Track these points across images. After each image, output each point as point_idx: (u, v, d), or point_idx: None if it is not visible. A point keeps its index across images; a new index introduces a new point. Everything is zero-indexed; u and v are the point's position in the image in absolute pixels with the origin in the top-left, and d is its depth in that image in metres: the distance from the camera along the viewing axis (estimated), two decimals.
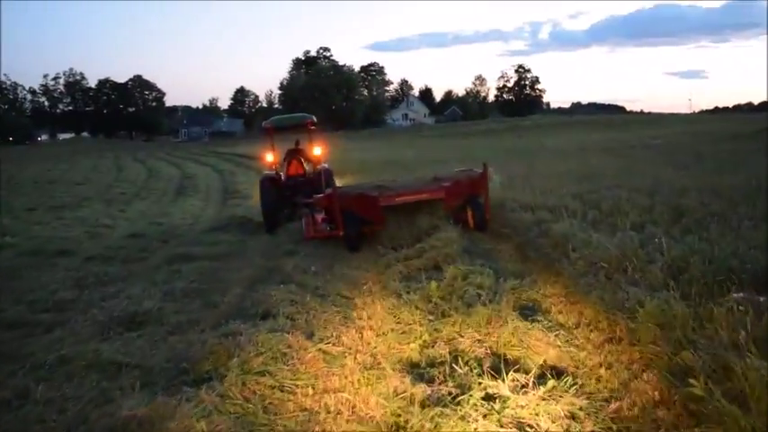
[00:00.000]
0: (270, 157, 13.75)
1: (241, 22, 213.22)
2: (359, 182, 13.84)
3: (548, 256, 6.93)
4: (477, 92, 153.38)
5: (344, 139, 64.15)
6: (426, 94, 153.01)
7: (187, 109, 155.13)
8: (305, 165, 13.49)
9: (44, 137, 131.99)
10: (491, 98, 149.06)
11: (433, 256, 7.44)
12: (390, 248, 8.49)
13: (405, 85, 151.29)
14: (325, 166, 13.38)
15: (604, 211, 8.43)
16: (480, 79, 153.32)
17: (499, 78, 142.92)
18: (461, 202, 9.68)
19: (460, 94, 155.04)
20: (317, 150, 13.86)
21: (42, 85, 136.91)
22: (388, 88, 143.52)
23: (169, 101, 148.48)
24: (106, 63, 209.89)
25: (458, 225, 8.89)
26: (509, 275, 6.41)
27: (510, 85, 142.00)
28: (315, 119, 14.09)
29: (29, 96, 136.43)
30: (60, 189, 24.19)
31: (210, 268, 8.49)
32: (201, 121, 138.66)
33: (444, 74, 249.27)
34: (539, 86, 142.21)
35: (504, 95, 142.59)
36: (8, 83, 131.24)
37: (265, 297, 6.19)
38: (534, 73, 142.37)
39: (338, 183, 12.68)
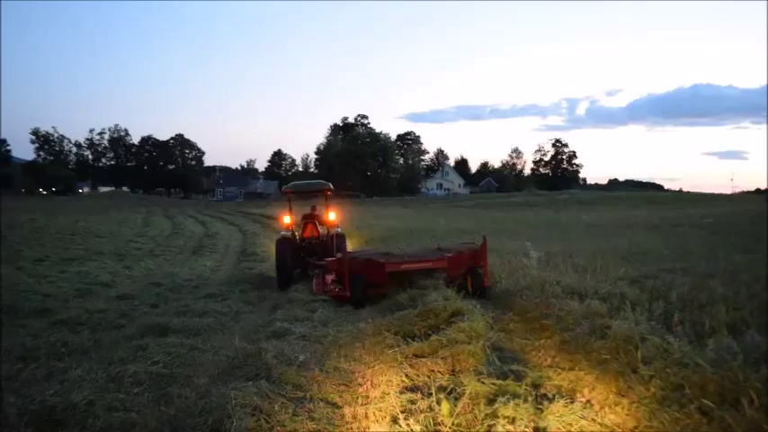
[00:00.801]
0: (287, 219, 14.46)
1: (282, 86, 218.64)
2: (384, 248, 13.56)
3: (607, 367, 5.08)
4: (514, 164, 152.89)
5: (377, 205, 63.50)
6: (462, 164, 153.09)
7: (225, 169, 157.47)
8: (319, 228, 14.30)
9: (86, 189, 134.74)
10: (527, 171, 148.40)
11: (450, 356, 5.71)
12: (401, 337, 6.83)
13: (440, 154, 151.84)
14: (339, 230, 14.14)
15: (675, 303, 6.52)
16: (517, 152, 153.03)
17: (536, 152, 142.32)
18: (463, 271, 10.09)
19: (496, 166, 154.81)
20: (331, 215, 14.51)
21: (88, 139, 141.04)
22: (423, 157, 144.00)
23: (208, 160, 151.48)
24: (150, 121, 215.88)
25: (459, 292, 8.74)
26: (554, 392, 4.78)
27: (547, 159, 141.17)
28: (331, 186, 15.02)
29: (74, 149, 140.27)
30: (79, 241, 23.52)
31: (183, 347, 7.01)
32: (237, 182, 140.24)
33: (480, 145, 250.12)
34: (576, 161, 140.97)
35: (541, 169, 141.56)
36: (55, 135, 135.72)
37: (224, 400, 4.60)
38: (571, 148, 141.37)
39: (364, 247, 13.73)
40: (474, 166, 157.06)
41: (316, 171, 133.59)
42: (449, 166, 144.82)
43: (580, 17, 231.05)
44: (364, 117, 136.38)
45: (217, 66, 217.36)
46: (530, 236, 18.89)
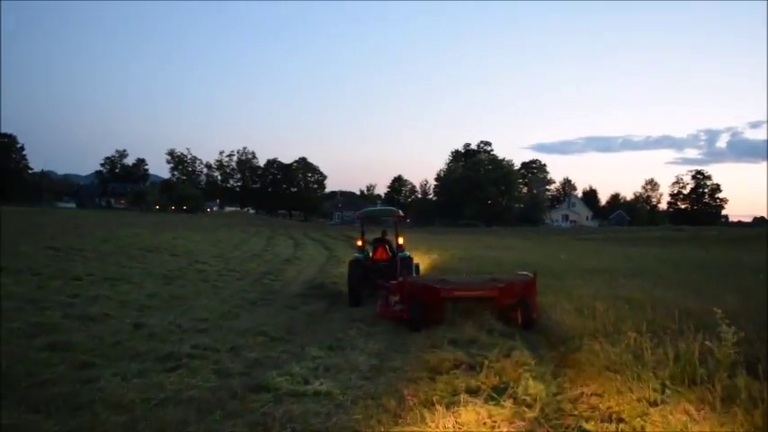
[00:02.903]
0: (359, 242, 15.76)
1: (406, 111, 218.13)
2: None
3: None
4: (648, 197, 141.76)
5: (494, 236, 58.69)
6: (590, 195, 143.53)
7: (345, 194, 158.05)
8: (388, 251, 15.12)
9: (215, 208, 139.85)
10: (663, 205, 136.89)
11: None
12: None
13: (567, 184, 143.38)
14: (407, 254, 14.78)
15: None
16: (652, 184, 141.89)
17: (673, 184, 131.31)
18: (513, 302, 10.23)
19: (628, 198, 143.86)
20: (400, 240, 15.19)
21: (218, 161, 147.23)
22: (549, 187, 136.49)
23: (331, 184, 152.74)
24: (276, 144, 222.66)
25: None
26: None
27: (686, 192, 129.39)
28: (401, 212, 16.72)
29: (204, 170, 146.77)
30: (149, 259, 21.53)
31: None
32: (356, 206, 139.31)
33: (610, 178, 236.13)
34: (719, 195, 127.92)
35: (679, 203, 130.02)
36: (189, 156, 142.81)
37: None
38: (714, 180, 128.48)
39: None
40: (603, 198, 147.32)
41: (434, 198, 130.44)
42: (576, 196, 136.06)
43: (714, 44, 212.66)
44: (487, 144, 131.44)
45: (342, 91, 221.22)
46: (684, 283, 13.96)
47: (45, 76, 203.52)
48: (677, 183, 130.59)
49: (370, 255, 15.01)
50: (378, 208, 20.37)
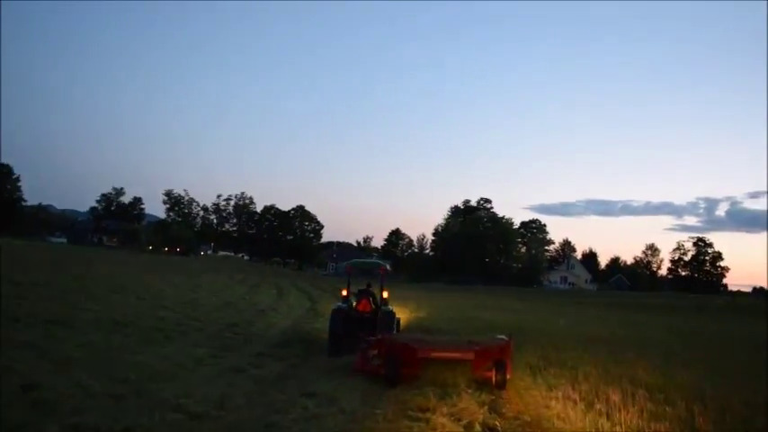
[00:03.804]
0: (344, 292, 15.75)
1: (407, 165, 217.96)
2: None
3: None
4: (648, 262, 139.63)
5: (490, 295, 56.53)
6: (590, 258, 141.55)
7: (342, 245, 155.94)
8: (372, 304, 15.21)
9: (209, 251, 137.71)
10: (663, 271, 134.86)
11: None
12: None
13: (567, 246, 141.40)
14: (390, 308, 14.89)
15: None
16: (652, 249, 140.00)
17: (674, 250, 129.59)
18: (488, 364, 10.30)
19: (628, 263, 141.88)
20: (385, 294, 15.24)
21: (214, 204, 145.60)
22: (548, 248, 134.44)
23: (327, 234, 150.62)
24: (274, 190, 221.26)
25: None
26: None
27: (687, 258, 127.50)
28: (388, 266, 16.91)
29: (201, 212, 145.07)
30: (108, 301, 19.45)
31: None
32: (351, 258, 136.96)
33: (610, 241, 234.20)
34: (721, 263, 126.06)
35: (680, 269, 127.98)
36: (186, 198, 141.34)
37: None
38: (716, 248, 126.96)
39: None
40: (603, 261, 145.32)
41: (431, 253, 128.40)
42: (575, 258, 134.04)
43: (715, 115, 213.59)
44: (487, 201, 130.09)
45: (342, 141, 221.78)
46: (700, 360, 12.08)
47: (46, 109, 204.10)
48: (678, 249, 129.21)
49: (354, 305, 15.14)
50: (365, 260, 21.38)
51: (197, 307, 21.10)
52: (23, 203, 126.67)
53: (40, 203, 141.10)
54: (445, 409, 7.93)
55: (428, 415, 7.64)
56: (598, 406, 6.97)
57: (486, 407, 8.22)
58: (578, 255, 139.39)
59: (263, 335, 15.72)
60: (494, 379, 10.12)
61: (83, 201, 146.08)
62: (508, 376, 10.25)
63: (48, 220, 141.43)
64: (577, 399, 7.49)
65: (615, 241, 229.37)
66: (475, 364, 10.27)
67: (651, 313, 39.44)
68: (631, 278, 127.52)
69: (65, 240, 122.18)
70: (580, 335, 17.71)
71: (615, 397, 6.92)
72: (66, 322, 13.95)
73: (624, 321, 27.28)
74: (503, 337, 11.47)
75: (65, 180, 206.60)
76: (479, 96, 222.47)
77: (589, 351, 13.26)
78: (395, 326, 14.41)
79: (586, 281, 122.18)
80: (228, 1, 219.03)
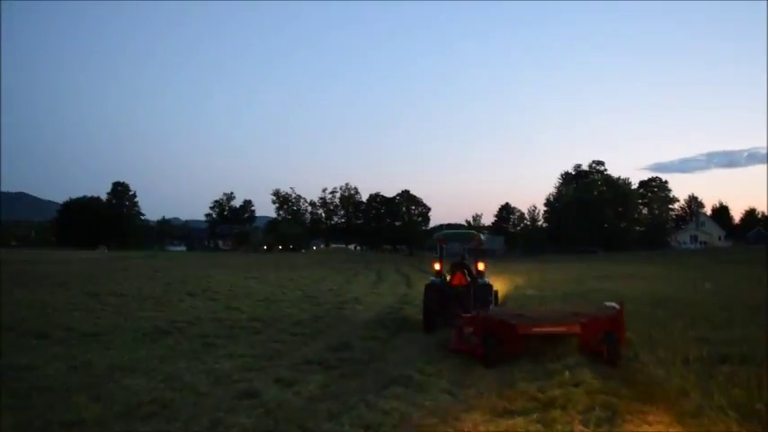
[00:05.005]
0: (437, 266, 15.06)
1: (513, 135, 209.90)
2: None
3: None
4: None
5: (612, 262, 51.41)
6: (721, 213, 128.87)
7: (451, 226, 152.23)
8: (467, 277, 14.31)
9: (322, 245, 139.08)
10: None
11: None
12: None
13: (693, 202, 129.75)
14: (486, 281, 14.41)
15: None
16: None
17: None
18: (597, 337, 9.31)
19: (767, 213, 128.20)
20: (480, 266, 14.77)
21: (321, 198, 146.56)
22: (672, 206, 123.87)
23: (435, 217, 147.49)
24: (379, 178, 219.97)
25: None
26: None
27: None
28: (481, 236, 15.92)
29: (309, 208, 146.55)
30: (171, 306, 17.94)
31: None
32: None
33: (741, 193, 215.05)
34: None
35: None
36: (293, 195, 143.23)
37: None
38: None
39: None
40: (737, 215, 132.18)
41: (544, 225, 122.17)
42: (705, 214, 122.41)
43: None
44: (600, 163, 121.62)
45: (443, 121, 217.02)
46: None
47: (159, 136, 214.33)
48: None
49: (448, 280, 14.52)
50: (457, 231, 19.75)
51: (271, 304, 18.81)
52: (141, 217, 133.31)
53: (163, 217, 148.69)
54: None
55: None
56: None
57: None
58: (707, 210, 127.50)
59: (328, 333, 12.94)
60: (606, 354, 9.08)
61: (201, 211, 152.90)
62: (621, 350, 9.15)
63: (171, 231, 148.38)
64: None
65: (747, 193, 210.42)
66: (583, 338, 9.49)
67: None
68: None
69: (184, 248, 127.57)
70: (738, 301, 13.59)
71: None
72: (101, 333, 12.17)
73: None
74: (613, 304, 10.32)
75: (185, 193, 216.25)
76: (576, 55, 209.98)
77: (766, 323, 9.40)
78: (492, 299, 13.84)
79: (720, 238, 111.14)
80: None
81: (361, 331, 12.76)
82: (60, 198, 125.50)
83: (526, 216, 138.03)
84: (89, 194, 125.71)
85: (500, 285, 21.59)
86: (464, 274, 14.43)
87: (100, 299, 19.42)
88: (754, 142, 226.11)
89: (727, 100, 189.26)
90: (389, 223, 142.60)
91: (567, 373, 7.59)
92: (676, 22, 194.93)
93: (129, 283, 26.79)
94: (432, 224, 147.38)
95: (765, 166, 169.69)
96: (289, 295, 22.06)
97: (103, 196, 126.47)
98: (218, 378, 8.33)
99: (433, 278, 14.84)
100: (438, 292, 13.72)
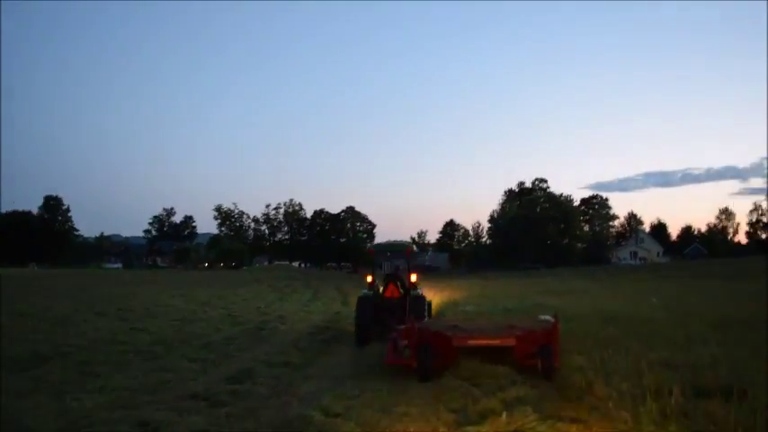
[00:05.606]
0: (369, 278, 14.79)
1: (455, 154, 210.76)
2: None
3: None
4: (724, 227, 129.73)
5: (556, 277, 50.86)
6: (659, 230, 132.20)
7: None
8: (400, 289, 14.33)
9: (265, 263, 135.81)
10: (741, 236, 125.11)
11: None
12: None
13: (633, 219, 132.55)
14: (419, 291, 14.17)
15: None
16: (726, 213, 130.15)
17: (751, 212, 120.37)
18: (532, 350, 9.17)
19: (702, 230, 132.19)
20: (413, 277, 14.53)
21: (264, 214, 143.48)
22: (613, 223, 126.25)
23: (380, 233, 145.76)
24: (322, 194, 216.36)
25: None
26: None
27: (766, 219, 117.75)
28: (414, 247, 15.97)
29: (252, 224, 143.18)
30: (73, 327, 15.98)
31: None
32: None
33: (677, 211, 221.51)
34: None
35: (759, 232, 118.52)
36: (236, 211, 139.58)
37: None
38: None
39: None
40: (674, 233, 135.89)
41: (488, 241, 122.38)
42: (643, 231, 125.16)
43: None
44: (543, 181, 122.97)
45: (387, 136, 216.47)
46: None
47: (92, 142, 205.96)
48: (756, 210, 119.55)
49: (381, 291, 14.41)
50: (389, 242, 18.70)
51: (187, 323, 16.86)
52: (75, 233, 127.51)
53: (101, 233, 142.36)
54: None
55: None
56: None
57: None
58: (646, 228, 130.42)
59: (235, 358, 11.16)
60: (540, 367, 8.87)
61: (139, 226, 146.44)
62: (556, 364, 8.83)
63: (108, 247, 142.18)
64: None
65: (681, 212, 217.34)
66: (517, 351, 9.30)
67: (754, 281, 33.12)
68: (707, 246, 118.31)
69: (120, 266, 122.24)
70: (691, 317, 12.48)
71: None
72: None
73: (733, 293, 21.52)
74: (548, 317, 10.35)
75: (125, 209, 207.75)
76: (519, 75, 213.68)
77: (729, 344, 8.15)
78: (426, 311, 13.66)
79: (658, 254, 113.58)
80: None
81: (274, 356, 11.02)
82: None
83: (470, 233, 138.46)
84: (20, 209, 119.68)
85: (439, 300, 20.10)
86: (397, 286, 14.28)
87: None
88: (688, 163, 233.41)
89: (660, 122, 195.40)
90: (334, 240, 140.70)
91: (504, 414, 6.05)
92: (611, 42, 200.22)
93: (41, 302, 24.32)
94: (377, 241, 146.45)
95: (698, 185, 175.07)
96: (209, 314, 20.09)
97: (35, 210, 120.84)
98: (70, 423, 6.52)
99: (365, 290, 14.35)
100: (371, 305, 13.39)
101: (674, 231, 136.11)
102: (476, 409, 6.56)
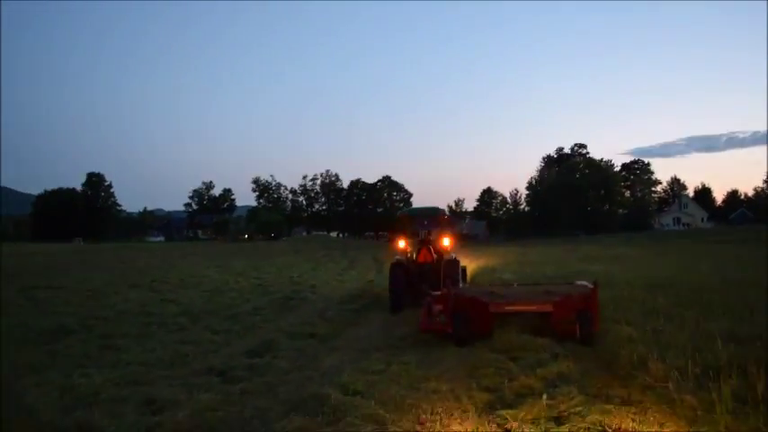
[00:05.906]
0: (401, 244, 14.70)
1: (495, 120, 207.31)
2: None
3: None
4: None
5: (597, 244, 49.60)
6: (703, 195, 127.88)
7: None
8: (434, 254, 14.02)
9: (303, 233, 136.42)
10: None
11: None
12: None
13: (676, 185, 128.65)
14: (453, 256, 13.70)
15: None
16: None
17: None
18: (570, 316, 8.92)
19: (749, 194, 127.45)
20: (446, 241, 14.34)
21: (301, 186, 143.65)
22: (655, 189, 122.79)
23: (417, 202, 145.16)
24: (359, 164, 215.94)
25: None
26: None
27: None
28: (446, 212, 16.23)
29: (289, 196, 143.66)
30: (100, 299, 15.71)
31: None
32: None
33: (721, 176, 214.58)
34: None
35: None
36: (273, 183, 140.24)
37: None
38: None
39: None
40: (719, 197, 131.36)
41: (527, 208, 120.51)
42: (687, 197, 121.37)
43: None
44: (582, 146, 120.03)
45: (423, 104, 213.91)
46: None
47: (139, 126, 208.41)
48: None
49: (414, 257, 14.20)
50: (421, 207, 17.62)
51: (218, 294, 16.57)
52: (118, 208, 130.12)
53: (145, 208, 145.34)
54: None
55: None
56: None
57: None
58: (690, 193, 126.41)
59: (260, 329, 10.70)
60: (578, 332, 8.65)
61: (182, 200, 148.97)
62: (595, 329, 8.63)
63: (151, 221, 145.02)
64: None
65: (726, 177, 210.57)
66: (555, 317, 9.00)
67: None
68: (754, 211, 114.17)
69: (162, 239, 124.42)
70: (747, 284, 11.56)
71: None
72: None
73: None
74: (585, 283, 10.15)
75: (167, 184, 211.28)
76: (558, 41, 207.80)
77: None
78: (460, 275, 13.32)
79: (702, 219, 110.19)
80: None
81: (299, 327, 10.52)
82: (36, 190, 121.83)
83: (508, 200, 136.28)
84: (65, 186, 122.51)
85: (476, 266, 19.38)
86: (430, 251, 14.07)
87: (29, 293, 17.14)
88: (732, 127, 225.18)
89: (706, 84, 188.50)
90: (371, 210, 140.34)
91: (544, 396, 5.37)
92: (654, 7, 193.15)
93: (79, 275, 24.44)
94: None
95: (744, 150, 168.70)
96: (241, 284, 19.79)
97: (79, 187, 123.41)
98: (74, 400, 6.10)
99: (398, 257, 14.15)
100: (404, 271, 13.16)
101: (719, 196, 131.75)
102: (512, 387, 5.91)
